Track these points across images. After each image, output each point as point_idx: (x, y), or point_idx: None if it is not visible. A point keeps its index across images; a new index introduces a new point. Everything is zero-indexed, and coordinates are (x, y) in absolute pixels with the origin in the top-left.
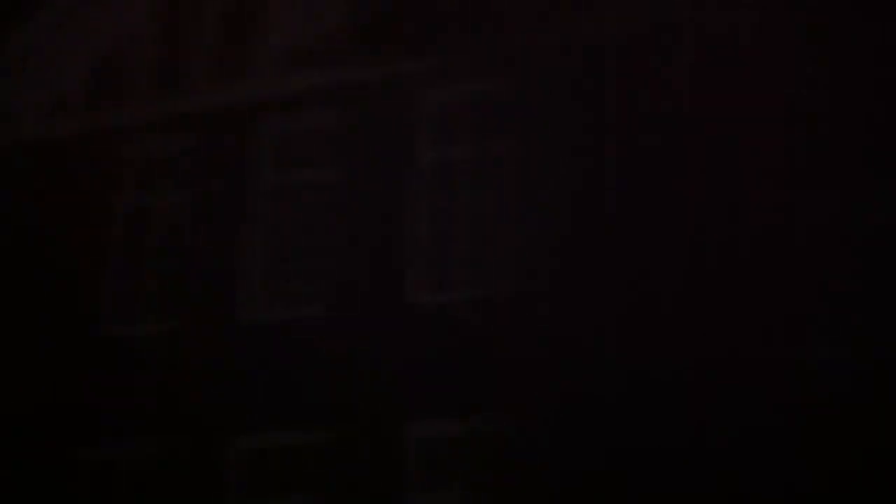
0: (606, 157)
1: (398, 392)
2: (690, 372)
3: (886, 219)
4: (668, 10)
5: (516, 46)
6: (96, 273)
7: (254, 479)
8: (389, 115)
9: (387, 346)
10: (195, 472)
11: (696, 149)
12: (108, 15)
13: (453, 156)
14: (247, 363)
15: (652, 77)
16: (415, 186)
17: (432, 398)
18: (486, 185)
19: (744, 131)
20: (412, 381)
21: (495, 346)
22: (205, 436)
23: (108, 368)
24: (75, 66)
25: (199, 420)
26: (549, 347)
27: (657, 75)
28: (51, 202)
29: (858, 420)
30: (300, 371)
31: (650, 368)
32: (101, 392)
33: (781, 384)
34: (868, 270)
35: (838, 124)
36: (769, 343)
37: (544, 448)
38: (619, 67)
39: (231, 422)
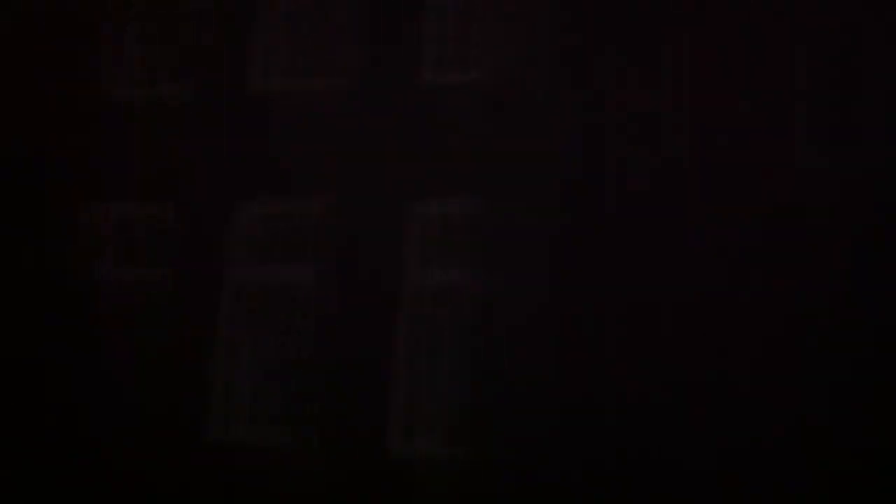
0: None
1: (402, 169)
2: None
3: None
4: None
5: None
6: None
7: (257, 244)
8: None
9: (396, 123)
10: (202, 236)
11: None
12: None
13: None
14: (253, 132)
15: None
16: None
17: (435, 177)
18: None
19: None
20: (416, 159)
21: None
22: (211, 201)
23: (114, 132)
24: None
25: (205, 185)
26: None
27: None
28: None
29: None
30: (306, 140)
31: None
32: (107, 154)
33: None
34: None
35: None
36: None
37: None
38: None
39: (236, 188)
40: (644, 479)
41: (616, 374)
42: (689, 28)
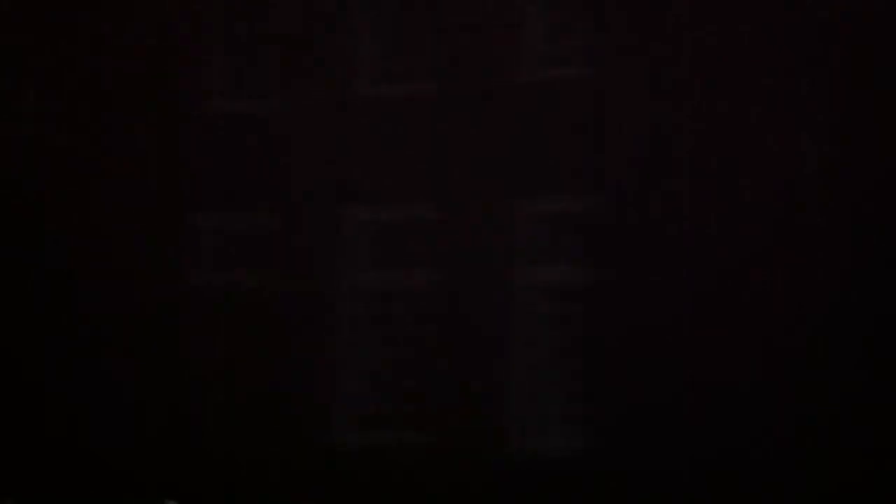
0: None
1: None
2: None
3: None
4: None
5: None
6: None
7: (368, 249)
8: None
9: (492, 124)
10: (311, 242)
11: None
12: None
13: None
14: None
15: None
16: None
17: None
18: None
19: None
20: (522, 159)
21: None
22: (320, 207)
23: (220, 144)
24: None
25: (313, 192)
26: None
27: None
28: None
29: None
30: (410, 146)
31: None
32: (217, 165)
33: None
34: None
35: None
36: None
37: None
38: None
39: (345, 194)
40: (750, 474)
41: (725, 369)
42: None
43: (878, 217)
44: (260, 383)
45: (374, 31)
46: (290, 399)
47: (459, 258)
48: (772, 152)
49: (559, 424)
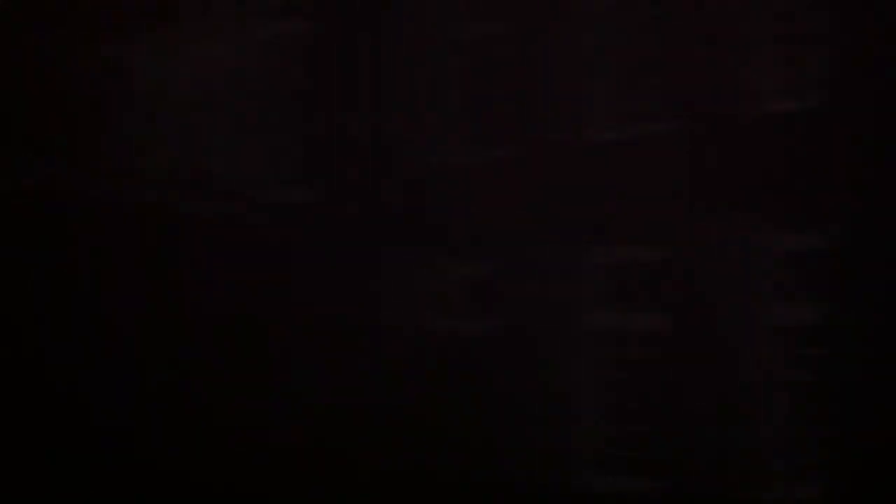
0: None
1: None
2: None
3: None
4: None
5: None
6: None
7: (606, 290)
8: None
9: (730, 160)
10: (548, 283)
11: None
12: None
13: None
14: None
15: None
16: None
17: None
18: None
19: None
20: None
21: None
22: (558, 248)
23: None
24: None
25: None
26: None
27: None
28: None
29: None
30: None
31: None
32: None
33: None
34: None
35: None
36: None
37: None
38: None
39: (585, 233)
40: None
41: None
42: None
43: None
44: (498, 423)
45: (604, 72)
46: (528, 442)
47: (700, 299)
48: None
49: (807, 473)
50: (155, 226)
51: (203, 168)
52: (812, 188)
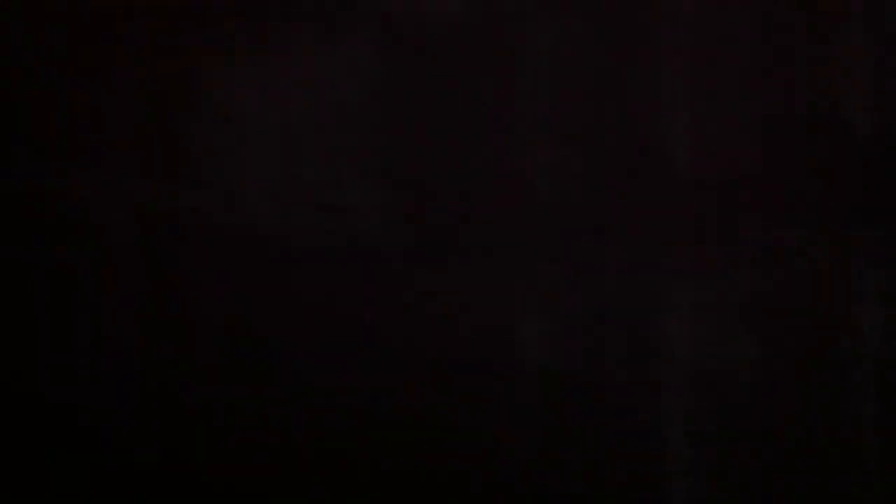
0: None
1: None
2: None
3: None
4: None
5: None
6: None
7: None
8: None
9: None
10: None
11: None
12: None
13: None
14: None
15: None
16: None
17: None
18: None
19: None
20: None
21: None
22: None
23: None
24: None
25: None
26: None
27: None
28: None
29: None
30: None
31: None
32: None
33: None
34: None
35: None
36: None
37: None
38: None
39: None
40: None
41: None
42: None
43: None
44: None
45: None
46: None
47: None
48: None
49: None
50: (241, 247)
51: (305, 192)
52: None
